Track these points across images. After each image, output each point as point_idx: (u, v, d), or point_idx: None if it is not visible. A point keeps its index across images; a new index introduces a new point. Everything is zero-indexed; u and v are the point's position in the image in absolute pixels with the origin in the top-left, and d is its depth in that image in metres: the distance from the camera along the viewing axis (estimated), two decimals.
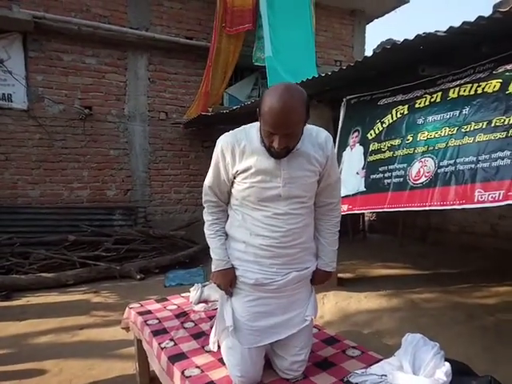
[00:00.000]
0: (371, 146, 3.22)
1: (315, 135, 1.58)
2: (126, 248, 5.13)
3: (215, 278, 1.67)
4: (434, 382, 1.29)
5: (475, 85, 2.53)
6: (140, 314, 2.36)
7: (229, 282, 1.64)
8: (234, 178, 1.58)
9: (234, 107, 4.66)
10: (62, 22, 5.37)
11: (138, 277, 4.71)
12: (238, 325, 1.60)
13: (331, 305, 3.34)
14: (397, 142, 2.99)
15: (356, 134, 3.40)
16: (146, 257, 5.20)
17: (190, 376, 1.67)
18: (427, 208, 2.68)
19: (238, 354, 1.57)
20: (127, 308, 2.53)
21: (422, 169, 2.76)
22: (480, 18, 2.14)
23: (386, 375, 1.43)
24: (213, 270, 1.68)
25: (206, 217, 1.72)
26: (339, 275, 3.98)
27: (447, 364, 1.39)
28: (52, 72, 5.52)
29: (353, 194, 3.30)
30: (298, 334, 1.63)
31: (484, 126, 2.42)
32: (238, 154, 1.52)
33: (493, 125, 2.37)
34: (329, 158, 1.58)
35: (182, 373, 1.70)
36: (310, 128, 1.59)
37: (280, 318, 1.61)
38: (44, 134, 5.52)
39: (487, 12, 2.14)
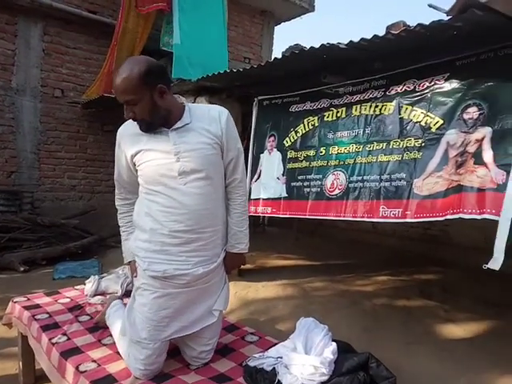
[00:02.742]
0: (288, 153, 3.37)
1: (208, 111, 1.64)
2: (8, 237, 4.59)
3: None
4: (322, 360, 1.44)
5: (373, 105, 2.80)
6: (26, 308, 2.17)
7: (133, 273, 1.68)
8: (135, 164, 1.58)
9: None
10: None
11: (22, 269, 4.25)
12: (144, 321, 1.56)
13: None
14: (311, 152, 3.17)
15: (272, 138, 3.51)
16: (31, 247, 4.70)
17: (86, 371, 1.60)
18: (342, 218, 2.89)
19: (144, 348, 1.54)
20: (11, 302, 2.30)
21: (335, 181, 2.96)
22: (375, 36, 2.39)
23: (281, 357, 1.55)
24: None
25: (118, 210, 1.78)
26: None
27: (334, 344, 1.56)
28: None
29: (276, 198, 3.41)
30: (207, 327, 1.66)
31: (384, 147, 2.69)
32: (130, 139, 1.58)
33: (391, 146, 2.65)
34: (224, 131, 1.59)
35: (77, 368, 1.62)
36: (202, 106, 1.76)
37: (188, 313, 1.61)
38: None
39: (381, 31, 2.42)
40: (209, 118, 1.60)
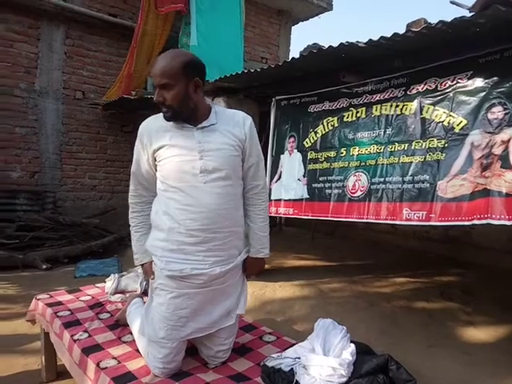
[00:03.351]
0: (309, 154, 3.35)
1: (232, 115, 1.68)
2: (32, 235, 4.71)
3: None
4: (341, 362, 1.43)
5: (394, 104, 2.75)
6: (49, 305, 2.23)
7: (147, 276, 1.69)
8: (155, 159, 1.58)
9: None
10: None
11: (44, 266, 4.37)
12: (162, 320, 1.57)
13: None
14: (332, 153, 3.14)
15: (292, 139, 3.50)
16: (53, 245, 4.82)
17: (106, 367, 1.63)
18: (365, 220, 2.85)
19: (162, 347, 1.56)
20: (34, 299, 2.36)
21: (357, 183, 2.92)
22: (395, 34, 2.36)
23: (299, 358, 1.54)
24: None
25: (129, 211, 1.74)
26: None
27: (352, 345, 1.54)
28: None
29: (297, 199, 3.40)
30: (224, 327, 1.67)
31: (406, 148, 2.64)
32: (154, 133, 1.57)
33: (413, 147, 2.60)
34: (247, 136, 1.63)
35: (97, 364, 1.65)
36: (228, 110, 1.75)
37: (206, 314, 1.61)
38: None
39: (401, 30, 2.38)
40: (233, 121, 1.63)
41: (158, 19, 5.66)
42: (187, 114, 1.54)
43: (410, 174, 2.59)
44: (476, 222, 2.21)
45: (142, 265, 1.70)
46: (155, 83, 1.50)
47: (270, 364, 1.57)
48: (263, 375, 1.56)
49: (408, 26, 2.56)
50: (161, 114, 1.60)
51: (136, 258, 1.72)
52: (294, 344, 1.77)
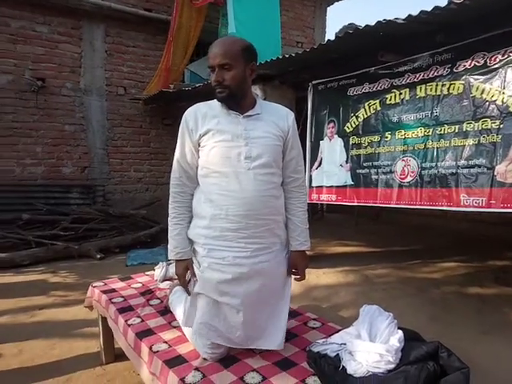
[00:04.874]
0: (351, 139, 3.27)
1: (277, 108, 1.72)
2: (85, 227, 5.00)
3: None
4: (388, 348, 1.41)
5: (440, 84, 2.61)
6: (104, 292, 2.36)
7: (182, 273, 1.64)
8: (199, 145, 1.60)
9: (197, 85, 4.59)
10: None
11: (98, 256, 4.64)
12: (204, 323, 1.61)
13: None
14: (376, 138, 3.05)
15: (332, 124, 3.43)
16: (105, 236, 5.10)
17: (158, 351, 1.70)
18: (418, 206, 2.75)
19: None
20: (90, 287, 2.50)
21: (406, 168, 2.82)
22: (436, 7, 2.24)
23: (345, 344, 1.54)
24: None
25: (170, 200, 1.71)
26: None
27: (400, 332, 1.51)
28: None
29: (341, 186, 3.36)
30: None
31: (457, 130, 2.50)
32: (201, 118, 1.60)
33: (464, 129, 2.46)
34: (290, 129, 1.66)
35: (150, 348, 1.73)
36: (272, 104, 1.77)
37: (242, 330, 1.61)
38: None
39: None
40: (278, 114, 1.67)
41: (192, 11, 5.71)
42: (240, 97, 1.57)
43: (463, 158, 2.46)
44: None
45: (181, 260, 1.64)
46: (214, 64, 1.52)
47: (315, 349, 1.58)
48: (309, 360, 1.57)
49: None
50: (207, 102, 1.64)
51: (176, 252, 1.63)
52: (339, 330, 1.76)
